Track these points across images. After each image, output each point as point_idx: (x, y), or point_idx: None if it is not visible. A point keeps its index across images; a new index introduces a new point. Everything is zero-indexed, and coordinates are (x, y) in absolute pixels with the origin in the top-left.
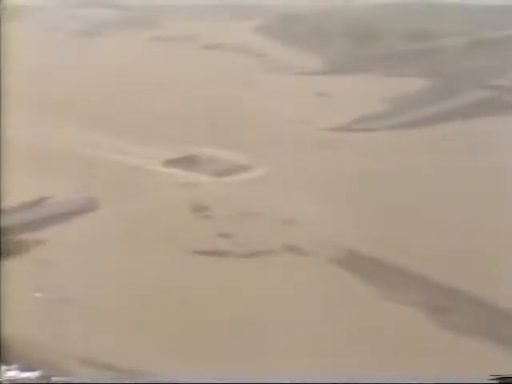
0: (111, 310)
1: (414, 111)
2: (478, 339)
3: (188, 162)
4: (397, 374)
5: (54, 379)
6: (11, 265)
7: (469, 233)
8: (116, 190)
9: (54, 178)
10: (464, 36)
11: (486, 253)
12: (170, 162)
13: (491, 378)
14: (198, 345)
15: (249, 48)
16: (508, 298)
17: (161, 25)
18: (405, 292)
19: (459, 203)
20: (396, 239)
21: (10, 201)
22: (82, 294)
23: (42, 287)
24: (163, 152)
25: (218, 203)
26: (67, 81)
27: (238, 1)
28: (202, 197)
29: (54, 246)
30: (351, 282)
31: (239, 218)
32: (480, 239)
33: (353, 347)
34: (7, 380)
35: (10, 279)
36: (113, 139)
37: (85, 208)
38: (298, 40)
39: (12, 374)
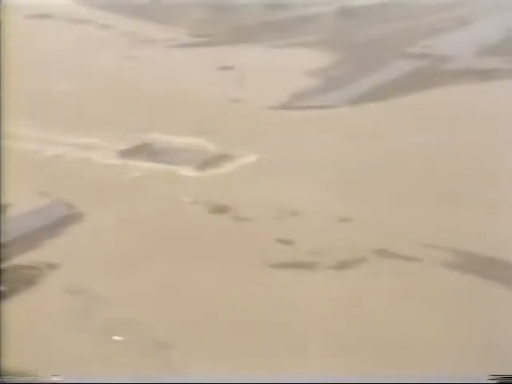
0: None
1: (350, 85)
2: None
3: (146, 151)
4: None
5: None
6: (38, 298)
7: None
8: (86, 191)
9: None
10: (327, 5)
11: None
12: (126, 153)
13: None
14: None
15: (86, 19)
16: None
17: None
18: None
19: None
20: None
21: None
22: (166, 332)
23: (106, 327)
24: (109, 142)
25: (235, 201)
26: None
27: None
28: (206, 194)
29: (71, 269)
30: (496, 291)
31: (281, 217)
32: None
33: None
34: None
35: (52, 319)
36: (41, 130)
37: (68, 216)
38: (141, 12)
39: None
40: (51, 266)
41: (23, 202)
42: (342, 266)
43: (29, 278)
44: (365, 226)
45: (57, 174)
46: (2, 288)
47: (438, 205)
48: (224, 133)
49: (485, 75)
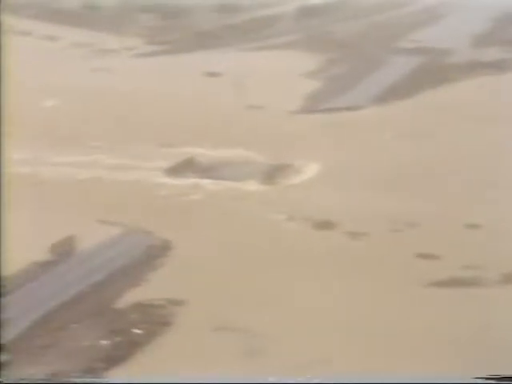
0: None
1: (361, 85)
2: None
3: (193, 168)
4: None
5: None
6: (187, 341)
7: None
8: (155, 216)
9: (68, 212)
10: (283, 5)
11: None
12: (172, 171)
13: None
14: None
15: (24, 30)
16: None
17: None
18: None
19: None
20: None
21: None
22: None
23: (293, 367)
24: (143, 160)
25: (334, 214)
26: None
27: None
28: (295, 209)
29: (201, 304)
30: None
31: (400, 229)
32: None
33: None
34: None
35: (226, 363)
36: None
37: (155, 246)
38: (82, 21)
39: None
40: (176, 303)
41: (90, 233)
42: (506, 280)
43: (159, 317)
44: (498, 232)
45: (108, 198)
46: (138, 331)
47: None
48: (264, 141)
49: (497, 66)
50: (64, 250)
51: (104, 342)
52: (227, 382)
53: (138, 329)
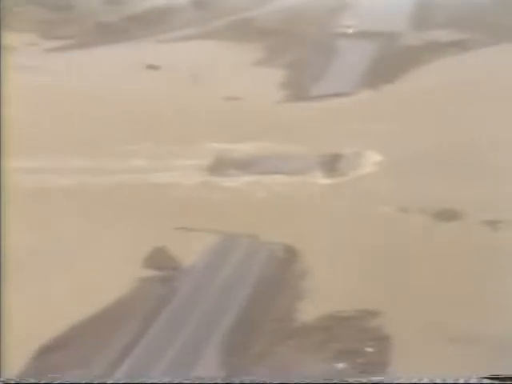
0: None
1: (333, 72)
2: None
3: (232, 164)
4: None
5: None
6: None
7: None
8: (243, 219)
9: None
10: None
11: None
12: (214, 169)
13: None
14: None
15: None
16: None
17: None
18: None
19: None
20: None
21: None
22: None
23: None
24: (178, 160)
25: (445, 202)
26: None
27: None
28: (397, 199)
29: (400, 315)
30: None
31: None
32: None
33: None
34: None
35: None
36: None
37: (276, 255)
38: None
39: None
40: (374, 314)
41: (179, 243)
42: None
43: (371, 332)
44: None
45: (165, 202)
46: (370, 349)
47: None
48: (281, 132)
49: (459, 46)
50: (165, 264)
51: (340, 366)
52: None
53: (367, 346)
